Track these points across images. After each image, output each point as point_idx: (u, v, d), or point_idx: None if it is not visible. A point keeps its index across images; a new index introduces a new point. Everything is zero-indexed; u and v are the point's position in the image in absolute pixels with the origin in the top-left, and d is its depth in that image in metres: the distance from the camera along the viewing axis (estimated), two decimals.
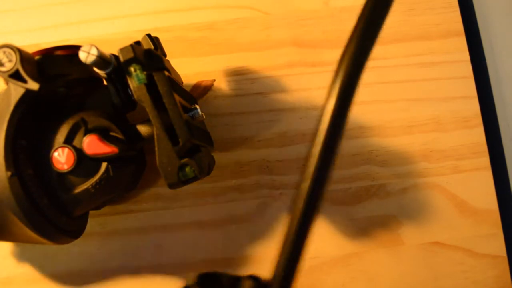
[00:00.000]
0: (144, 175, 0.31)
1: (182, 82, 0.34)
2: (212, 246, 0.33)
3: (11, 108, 0.24)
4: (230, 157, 0.34)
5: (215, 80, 0.35)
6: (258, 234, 0.33)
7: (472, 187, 0.34)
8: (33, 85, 0.24)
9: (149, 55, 0.25)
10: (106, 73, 0.25)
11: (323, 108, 0.17)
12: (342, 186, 0.34)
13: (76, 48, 0.25)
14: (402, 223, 0.34)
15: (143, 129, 0.28)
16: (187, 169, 0.25)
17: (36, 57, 0.25)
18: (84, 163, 0.26)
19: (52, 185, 0.26)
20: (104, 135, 0.26)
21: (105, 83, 0.29)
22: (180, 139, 0.25)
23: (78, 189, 0.26)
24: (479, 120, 0.35)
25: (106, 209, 0.30)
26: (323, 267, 0.33)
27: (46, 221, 0.25)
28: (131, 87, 0.24)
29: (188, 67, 0.35)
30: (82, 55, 0.23)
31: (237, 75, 0.35)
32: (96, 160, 0.26)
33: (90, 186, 0.26)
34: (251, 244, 0.33)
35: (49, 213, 0.25)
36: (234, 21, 0.36)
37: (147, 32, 0.29)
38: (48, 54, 0.26)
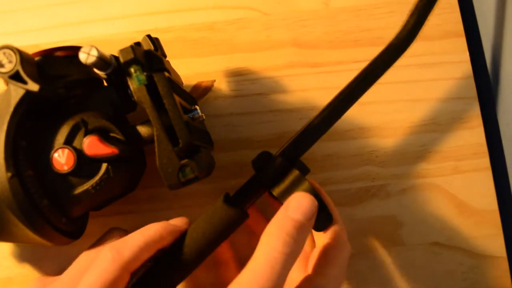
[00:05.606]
0: (144, 175, 0.31)
1: (182, 83, 0.34)
2: None
3: (11, 109, 0.24)
4: (230, 157, 0.34)
5: (215, 81, 0.35)
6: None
7: (472, 187, 0.34)
8: (33, 86, 0.24)
9: (149, 56, 0.25)
10: (106, 74, 0.25)
11: None
12: (342, 187, 0.34)
13: (76, 49, 0.25)
14: (402, 223, 0.34)
15: (143, 130, 0.28)
16: (187, 170, 0.25)
17: (36, 58, 0.25)
18: (84, 164, 0.26)
19: (52, 186, 0.26)
20: (104, 136, 0.26)
21: (105, 84, 0.29)
22: (180, 140, 0.25)
23: (78, 190, 0.26)
24: (479, 120, 0.35)
25: (106, 209, 0.30)
26: None
27: (46, 222, 0.25)
28: (131, 88, 0.24)
29: (188, 68, 0.35)
30: (82, 56, 0.23)
31: (237, 75, 0.35)
32: (96, 161, 0.26)
33: (90, 187, 0.26)
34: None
35: (49, 214, 0.25)
36: (234, 21, 0.36)
37: (147, 33, 0.29)
38: (48, 55, 0.26)
